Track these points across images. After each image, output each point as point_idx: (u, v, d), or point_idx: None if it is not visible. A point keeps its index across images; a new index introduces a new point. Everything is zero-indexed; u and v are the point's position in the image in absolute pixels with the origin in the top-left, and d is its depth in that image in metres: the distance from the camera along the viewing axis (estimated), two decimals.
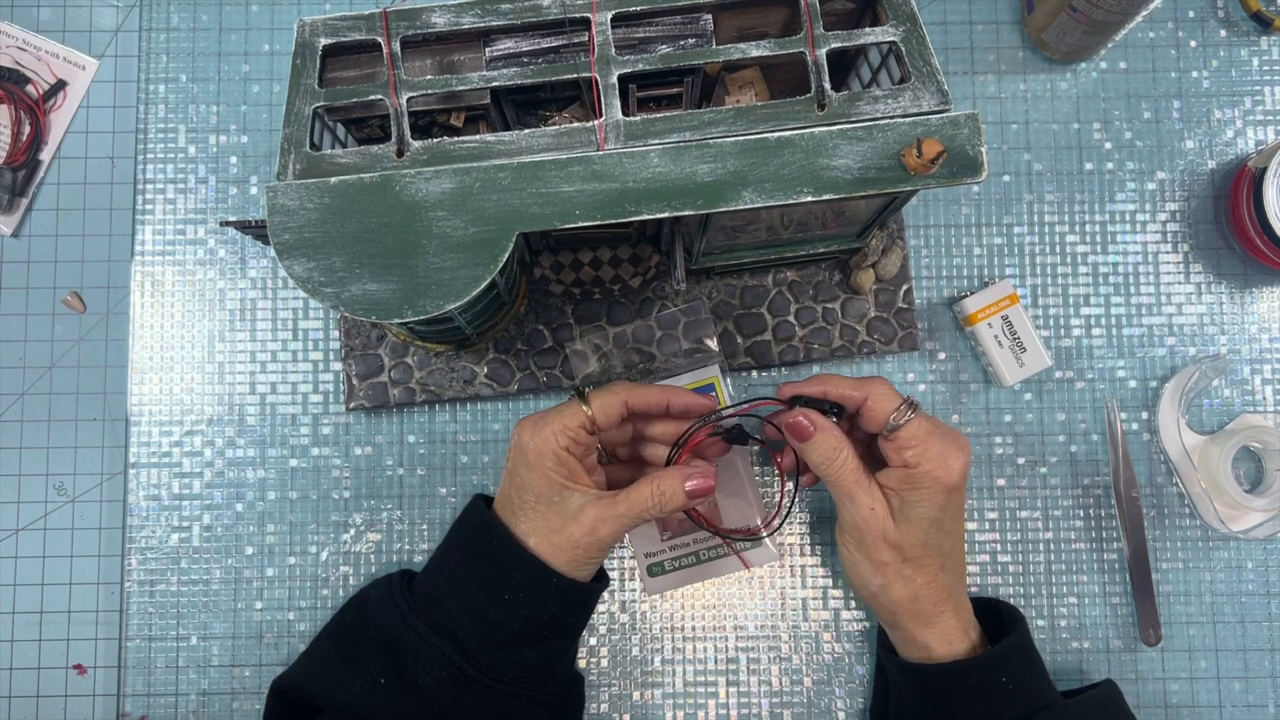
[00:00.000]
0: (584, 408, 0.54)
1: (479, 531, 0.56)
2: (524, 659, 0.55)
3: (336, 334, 0.68)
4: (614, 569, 0.66)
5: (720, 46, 0.52)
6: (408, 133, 0.51)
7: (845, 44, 0.52)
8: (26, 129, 0.77)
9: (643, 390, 0.56)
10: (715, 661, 0.66)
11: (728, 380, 0.66)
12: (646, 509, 0.54)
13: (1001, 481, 0.68)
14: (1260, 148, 0.70)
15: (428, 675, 0.53)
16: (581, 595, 0.56)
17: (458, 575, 0.56)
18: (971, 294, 0.66)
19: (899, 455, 0.55)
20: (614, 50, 0.52)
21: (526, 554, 0.54)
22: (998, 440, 0.68)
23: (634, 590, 0.66)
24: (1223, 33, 0.71)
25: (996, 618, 0.60)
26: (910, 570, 0.56)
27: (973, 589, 0.66)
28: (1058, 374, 0.68)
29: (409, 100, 0.51)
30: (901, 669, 0.58)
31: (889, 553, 0.55)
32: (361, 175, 0.49)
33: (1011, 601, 0.66)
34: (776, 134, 0.49)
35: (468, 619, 0.54)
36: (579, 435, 0.54)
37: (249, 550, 0.67)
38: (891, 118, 0.50)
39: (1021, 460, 0.68)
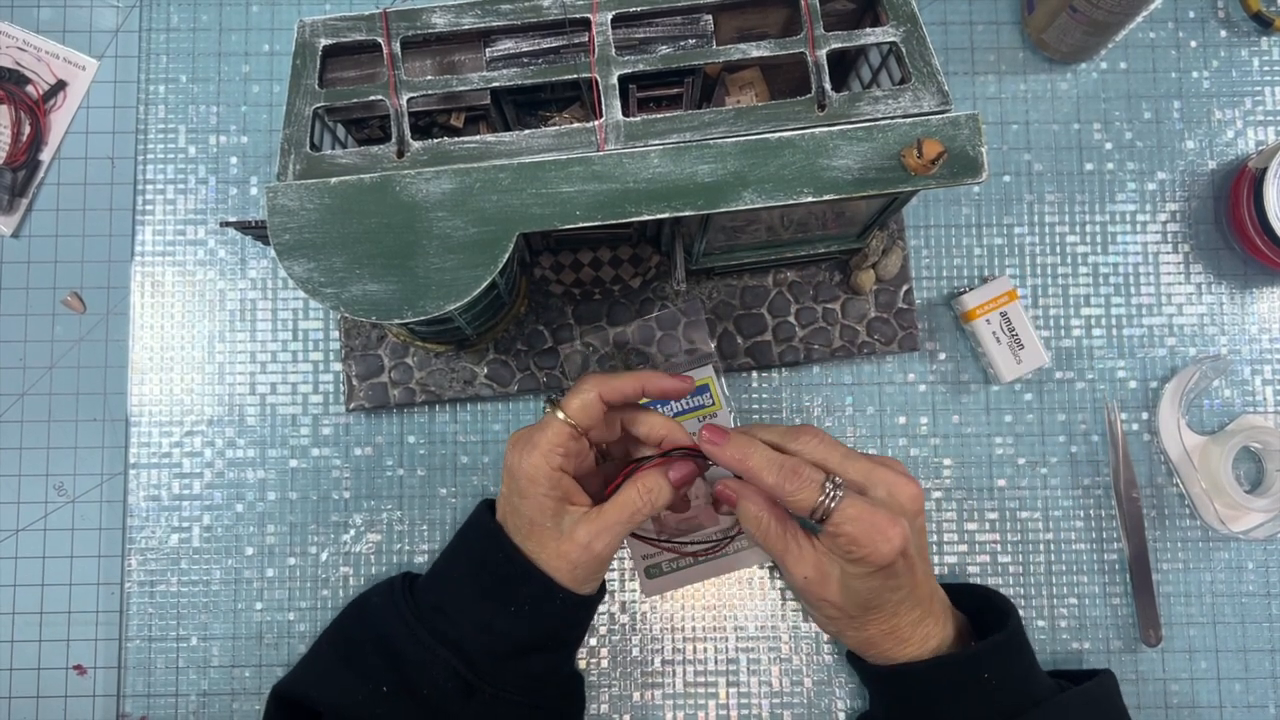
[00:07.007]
0: (562, 416, 0.53)
1: (484, 542, 0.56)
2: (528, 668, 0.55)
3: (336, 334, 0.68)
4: (613, 570, 0.66)
5: (720, 47, 0.52)
6: (408, 133, 0.51)
7: (846, 44, 0.51)
8: (26, 129, 0.77)
9: (615, 381, 0.54)
10: (715, 662, 0.66)
11: (722, 380, 0.66)
12: (637, 510, 0.53)
13: (1002, 482, 0.68)
14: (1260, 148, 0.70)
15: (431, 685, 0.53)
16: (586, 608, 0.56)
17: (463, 585, 0.55)
18: (970, 289, 0.66)
19: (829, 539, 0.52)
20: (614, 51, 0.51)
21: (531, 568, 0.53)
22: (998, 440, 0.68)
23: (634, 591, 0.66)
24: (1223, 33, 0.71)
25: (990, 609, 0.59)
26: (859, 623, 0.54)
27: None
28: (1058, 374, 0.68)
29: (409, 101, 0.51)
30: (871, 675, 0.57)
31: (834, 610, 0.54)
32: (361, 176, 0.49)
33: (1012, 602, 0.66)
34: (777, 134, 0.49)
35: (473, 630, 0.54)
36: (569, 447, 0.53)
37: (249, 551, 0.66)
38: (892, 118, 0.50)
39: (1022, 461, 0.68)
